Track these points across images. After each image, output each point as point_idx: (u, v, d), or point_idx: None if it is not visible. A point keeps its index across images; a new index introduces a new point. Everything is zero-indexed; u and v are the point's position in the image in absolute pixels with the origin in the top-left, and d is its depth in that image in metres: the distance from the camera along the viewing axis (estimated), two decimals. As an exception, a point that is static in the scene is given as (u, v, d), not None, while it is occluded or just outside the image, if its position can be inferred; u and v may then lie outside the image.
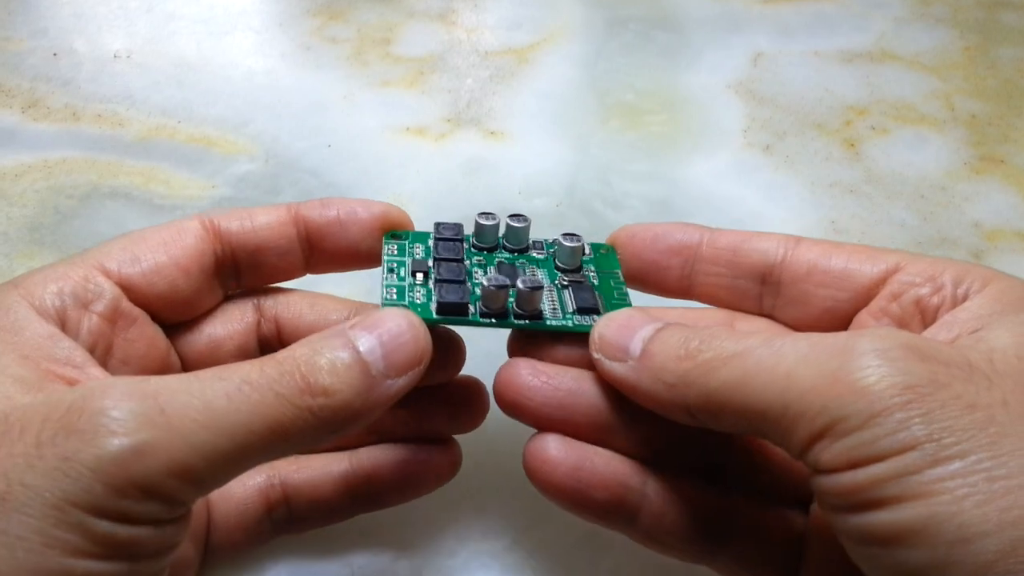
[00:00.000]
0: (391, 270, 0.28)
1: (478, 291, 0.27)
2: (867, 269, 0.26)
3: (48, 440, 0.19)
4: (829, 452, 0.19)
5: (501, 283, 0.26)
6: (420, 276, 0.27)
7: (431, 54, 0.51)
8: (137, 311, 0.26)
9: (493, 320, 0.27)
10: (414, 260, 0.28)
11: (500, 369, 0.26)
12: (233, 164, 0.44)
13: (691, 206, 0.42)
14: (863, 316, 0.26)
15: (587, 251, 0.30)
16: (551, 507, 0.31)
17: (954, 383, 0.19)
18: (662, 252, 0.29)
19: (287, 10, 0.54)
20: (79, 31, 0.52)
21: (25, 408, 0.21)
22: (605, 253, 0.30)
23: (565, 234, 0.29)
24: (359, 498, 0.28)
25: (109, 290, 0.26)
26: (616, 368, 0.25)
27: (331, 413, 0.22)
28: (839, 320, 0.27)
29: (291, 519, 0.29)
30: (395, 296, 0.27)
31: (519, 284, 0.26)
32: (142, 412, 0.20)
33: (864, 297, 0.26)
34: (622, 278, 0.29)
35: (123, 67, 0.50)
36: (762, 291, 0.28)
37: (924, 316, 0.24)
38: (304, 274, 0.30)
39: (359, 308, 0.29)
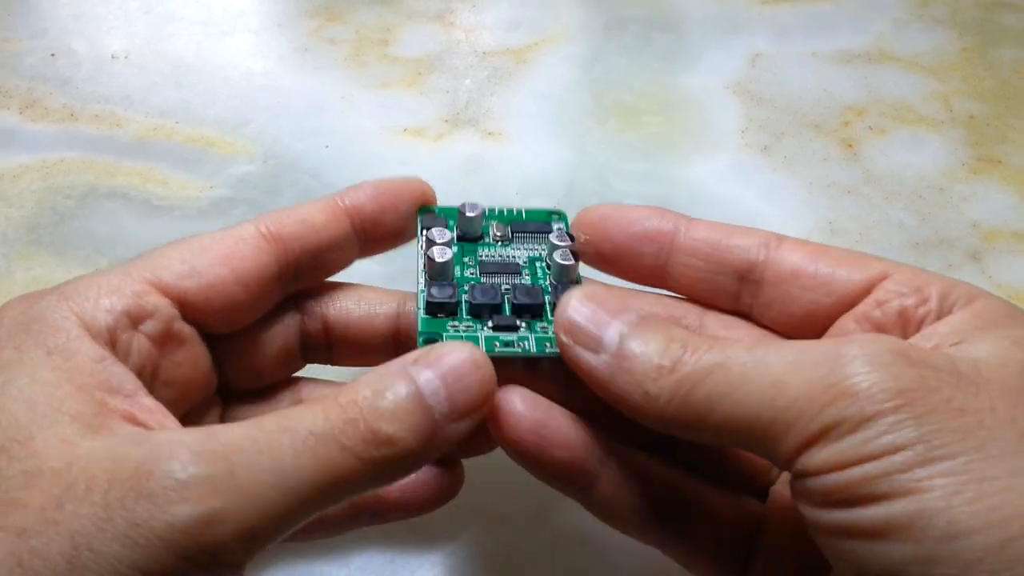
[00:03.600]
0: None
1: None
2: (855, 275, 0.25)
3: (116, 503, 0.19)
4: (820, 456, 0.20)
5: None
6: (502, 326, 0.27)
7: (429, 55, 0.51)
8: (188, 331, 0.25)
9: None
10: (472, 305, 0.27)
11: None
12: (232, 165, 0.44)
13: (689, 206, 0.42)
14: (846, 320, 0.25)
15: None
16: (551, 507, 0.31)
17: (944, 387, 0.19)
18: (636, 238, 0.28)
19: (285, 11, 0.54)
20: (78, 32, 0.52)
21: (88, 461, 0.20)
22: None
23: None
24: (361, 514, 0.28)
25: (164, 309, 0.24)
26: (587, 359, 0.24)
27: (393, 463, 0.22)
28: (820, 324, 0.26)
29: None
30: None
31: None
32: (212, 476, 0.19)
33: (848, 303, 0.26)
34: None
35: (121, 68, 0.50)
36: (740, 289, 0.27)
37: (907, 326, 0.24)
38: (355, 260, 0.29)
39: (404, 298, 0.29)
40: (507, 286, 0.28)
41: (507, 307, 0.27)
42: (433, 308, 0.27)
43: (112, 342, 0.23)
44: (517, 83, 0.49)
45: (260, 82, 0.49)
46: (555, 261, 0.27)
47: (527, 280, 0.28)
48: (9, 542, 0.19)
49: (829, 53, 0.51)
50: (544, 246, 0.29)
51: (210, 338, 0.27)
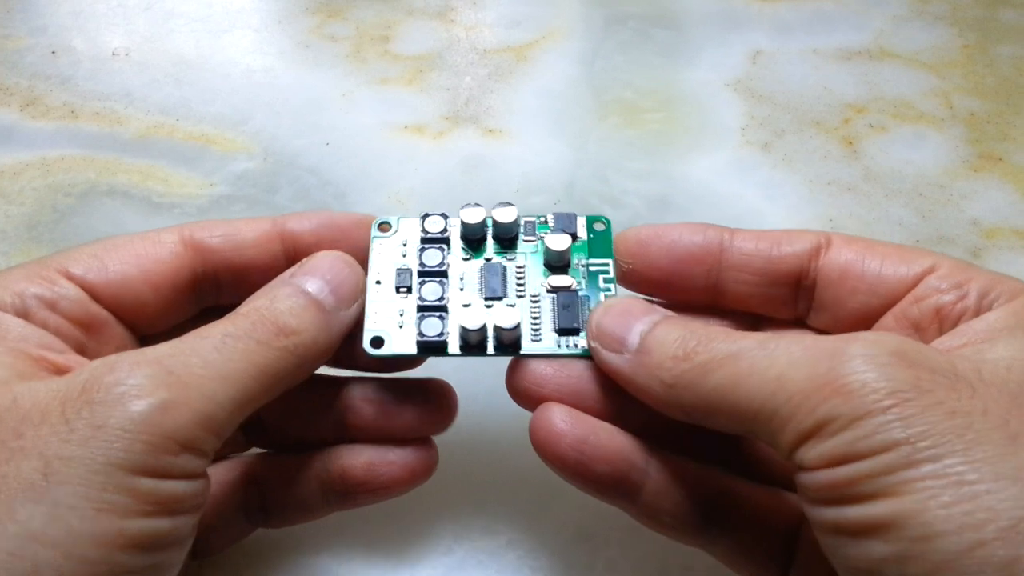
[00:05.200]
0: (377, 281, 0.28)
1: (462, 321, 0.27)
2: (901, 272, 0.26)
3: (74, 415, 0.20)
4: (814, 451, 0.20)
5: (478, 327, 0.26)
6: (404, 291, 0.28)
7: (430, 52, 0.51)
8: (105, 314, 0.26)
9: (472, 352, 0.27)
10: (399, 271, 0.28)
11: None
12: (232, 162, 0.44)
13: (690, 204, 0.42)
14: (887, 318, 0.26)
15: (580, 232, 0.29)
16: (549, 504, 0.31)
17: (937, 389, 0.20)
18: (682, 261, 0.28)
19: (286, 8, 0.54)
20: (78, 29, 0.52)
21: (32, 396, 0.21)
22: (601, 231, 0.29)
23: (555, 227, 0.29)
24: (332, 496, 0.28)
25: (74, 293, 0.26)
26: (612, 359, 0.25)
27: (305, 349, 0.25)
28: (871, 323, 0.26)
29: (266, 515, 0.28)
30: (376, 324, 0.27)
31: (498, 324, 0.27)
32: (155, 375, 0.21)
33: (895, 300, 0.26)
34: (613, 273, 0.28)
35: (122, 65, 0.50)
36: (796, 296, 0.27)
37: (943, 323, 0.24)
38: None
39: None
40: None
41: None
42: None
43: (26, 315, 0.25)
44: (517, 80, 0.49)
45: (260, 79, 0.49)
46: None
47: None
48: None
49: (830, 50, 0.51)
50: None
51: (142, 339, 0.28)
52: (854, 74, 0.49)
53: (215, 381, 0.22)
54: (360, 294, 0.27)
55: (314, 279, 0.26)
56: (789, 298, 0.28)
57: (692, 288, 0.28)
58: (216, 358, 0.23)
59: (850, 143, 0.45)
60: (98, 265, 0.26)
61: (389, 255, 0.29)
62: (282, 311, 0.25)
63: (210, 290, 0.28)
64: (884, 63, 0.50)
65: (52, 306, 0.25)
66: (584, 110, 0.47)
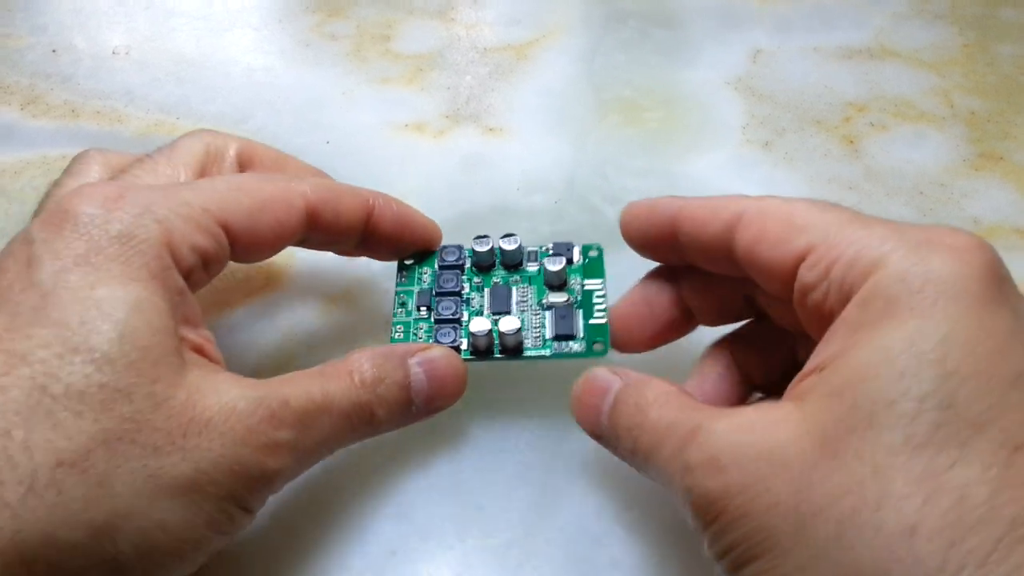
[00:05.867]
0: (401, 304, 0.32)
1: (470, 327, 0.30)
2: (784, 254, 0.24)
3: (231, 445, 0.24)
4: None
5: (484, 332, 0.30)
6: (424, 310, 0.32)
7: (430, 51, 0.51)
8: (227, 270, 0.28)
9: (481, 357, 0.31)
10: (420, 292, 0.32)
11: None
12: (232, 160, 0.44)
13: (690, 202, 0.42)
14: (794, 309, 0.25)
15: (576, 258, 0.32)
16: (550, 505, 0.31)
17: (760, 494, 0.21)
18: (658, 227, 0.28)
19: (286, 7, 0.54)
20: (78, 27, 0.52)
21: (203, 397, 0.24)
22: (594, 256, 0.32)
23: (553, 253, 0.32)
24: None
25: (226, 250, 0.27)
26: (594, 434, 0.28)
27: (366, 435, 0.28)
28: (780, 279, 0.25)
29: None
30: (401, 336, 0.31)
31: (501, 329, 0.30)
32: (292, 440, 0.25)
33: (790, 291, 0.25)
34: (603, 290, 0.31)
35: (122, 63, 0.50)
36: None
37: (824, 324, 0.23)
38: None
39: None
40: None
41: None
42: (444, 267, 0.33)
43: (188, 276, 0.26)
44: (518, 79, 0.49)
45: (261, 78, 0.49)
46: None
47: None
48: (145, 456, 0.22)
49: (830, 48, 0.51)
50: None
51: None
52: (854, 72, 0.49)
53: (314, 455, 0.26)
54: (443, 409, 0.29)
55: (422, 375, 0.28)
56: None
57: (669, 255, 0.29)
58: (325, 435, 0.26)
59: (851, 142, 0.45)
60: (250, 224, 0.27)
61: (411, 282, 0.33)
62: (380, 398, 0.27)
63: (299, 242, 0.30)
64: (885, 61, 0.50)
65: (207, 265, 0.26)
66: (584, 108, 0.47)
